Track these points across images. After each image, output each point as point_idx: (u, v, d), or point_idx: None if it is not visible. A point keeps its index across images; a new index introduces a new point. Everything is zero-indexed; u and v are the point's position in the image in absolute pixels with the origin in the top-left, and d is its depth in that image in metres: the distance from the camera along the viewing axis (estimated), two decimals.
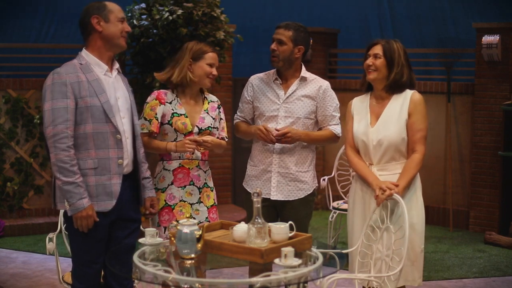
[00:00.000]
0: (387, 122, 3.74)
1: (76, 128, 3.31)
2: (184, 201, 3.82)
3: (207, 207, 3.88)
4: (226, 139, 3.99)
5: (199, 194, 3.85)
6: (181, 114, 3.80)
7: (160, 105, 3.80)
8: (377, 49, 3.77)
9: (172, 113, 3.79)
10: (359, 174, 3.85)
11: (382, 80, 3.78)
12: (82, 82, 3.32)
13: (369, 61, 3.78)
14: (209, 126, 3.86)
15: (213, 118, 3.89)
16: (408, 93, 3.77)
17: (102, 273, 3.56)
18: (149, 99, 3.86)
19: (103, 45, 3.42)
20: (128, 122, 3.49)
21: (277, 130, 3.90)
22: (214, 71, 3.84)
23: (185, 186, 3.82)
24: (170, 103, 3.82)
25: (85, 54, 3.43)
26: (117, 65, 3.52)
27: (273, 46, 4.00)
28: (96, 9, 3.40)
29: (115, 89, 3.45)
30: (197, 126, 3.83)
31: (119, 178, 3.40)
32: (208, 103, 3.92)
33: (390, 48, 3.75)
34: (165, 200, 3.81)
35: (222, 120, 3.97)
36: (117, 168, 3.39)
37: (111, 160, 3.37)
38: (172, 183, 3.81)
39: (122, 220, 3.48)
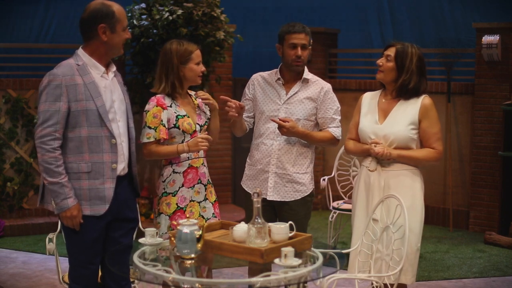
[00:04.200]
0: (395, 121, 3.79)
1: (71, 132, 3.30)
2: (193, 201, 3.83)
3: (212, 203, 3.91)
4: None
5: (205, 191, 3.87)
6: (184, 115, 3.79)
7: (163, 111, 3.75)
8: (391, 51, 3.82)
9: (176, 116, 3.77)
10: (357, 151, 3.93)
11: (390, 83, 3.84)
12: (78, 85, 3.29)
13: (380, 61, 3.85)
14: (205, 121, 3.89)
15: (205, 113, 3.92)
16: (419, 97, 3.81)
17: (100, 273, 3.56)
18: (149, 107, 3.78)
19: (104, 51, 3.37)
20: (124, 125, 3.47)
21: (280, 119, 3.90)
22: (202, 68, 3.85)
23: (193, 186, 3.83)
24: (171, 106, 3.79)
25: (82, 54, 3.38)
26: (114, 68, 3.47)
27: (299, 52, 3.96)
28: (105, 16, 3.31)
29: (112, 92, 3.42)
30: (198, 124, 3.84)
31: (112, 183, 3.38)
32: (195, 99, 3.93)
33: (403, 53, 3.78)
34: (176, 204, 3.79)
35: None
36: (111, 173, 3.37)
37: (105, 165, 3.35)
38: (182, 185, 3.80)
39: (118, 220, 3.48)
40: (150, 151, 3.77)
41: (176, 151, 3.74)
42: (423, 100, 3.81)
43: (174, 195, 3.80)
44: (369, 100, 3.96)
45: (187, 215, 3.78)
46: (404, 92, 3.81)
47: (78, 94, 3.28)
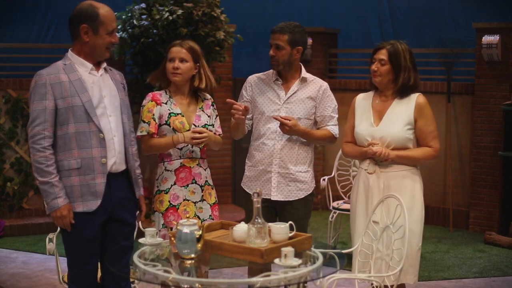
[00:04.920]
0: (391, 122, 3.78)
1: (59, 129, 3.32)
2: (188, 200, 3.83)
3: (210, 205, 3.90)
4: (221, 135, 4.00)
5: (202, 192, 3.86)
6: (177, 114, 3.80)
7: (156, 106, 3.79)
8: (383, 54, 3.80)
9: (169, 113, 3.79)
10: (355, 155, 3.94)
11: (388, 84, 3.83)
12: (63, 83, 3.32)
13: (375, 66, 3.83)
14: (205, 124, 3.87)
15: (208, 116, 3.91)
16: (413, 96, 3.80)
17: (100, 274, 3.55)
18: (144, 102, 3.84)
19: (89, 52, 3.40)
20: (116, 120, 3.46)
21: (281, 117, 3.90)
22: (175, 64, 3.79)
23: (187, 185, 3.82)
24: (166, 103, 3.81)
25: (70, 55, 3.42)
26: (104, 64, 3.49)
27: (272, 52, 3.98)
28: (88, 17, 3.33)
29: (101, 88, 3.42)
30: (194, 124, 3.83)
31: (103, 178, 3.38)
32: (203, 101, 3.93)
33: (395, 52, 3.77)
34: (169, 201, 3.80)
35: (217, 117, 3.99)
36: (101, 168, 3.38)
37: (94, 160, 3.36)
38: (174, 183, 3.81)
39: (115, 220, 3.48)
40: (146, 145, 3.81)
41: (171, 142, 3.75)
42: (418, 99, 3.80)
43: (166, 193, 3.81)
44: (362, 102, 3.95)
45: (181, 214, 3.78)
46: (407, 90, 3.80)
47: (63, 91, 3.31)
